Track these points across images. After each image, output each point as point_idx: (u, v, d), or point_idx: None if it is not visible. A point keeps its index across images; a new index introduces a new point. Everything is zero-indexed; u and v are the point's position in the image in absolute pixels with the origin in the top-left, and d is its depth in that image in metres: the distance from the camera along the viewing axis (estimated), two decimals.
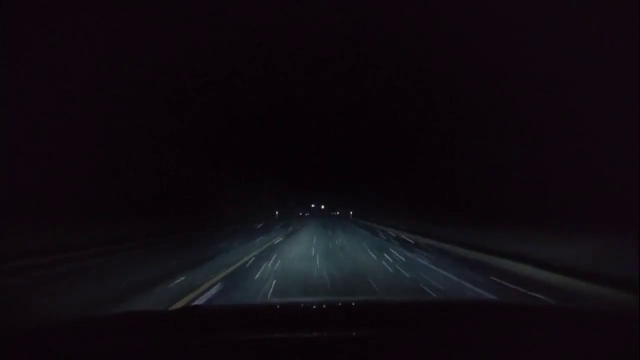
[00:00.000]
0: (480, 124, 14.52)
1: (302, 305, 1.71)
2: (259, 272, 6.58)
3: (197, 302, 4.34)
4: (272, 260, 8.15)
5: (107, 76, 12.94)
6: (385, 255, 9.30)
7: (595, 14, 8.26)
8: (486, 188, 13.11)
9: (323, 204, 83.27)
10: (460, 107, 16.20)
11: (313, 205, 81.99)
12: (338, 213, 77.12)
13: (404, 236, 15.93)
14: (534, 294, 4.93)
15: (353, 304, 1.71)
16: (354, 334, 1.09)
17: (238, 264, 7.46)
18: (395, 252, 9.89)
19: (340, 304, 1.75)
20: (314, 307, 1.64)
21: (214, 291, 5.05)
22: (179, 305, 4.14)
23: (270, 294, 4.90)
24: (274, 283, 5.59)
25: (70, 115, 11.68)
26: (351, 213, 65.77)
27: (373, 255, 9.40)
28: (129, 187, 14.18)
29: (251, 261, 7.96)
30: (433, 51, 16.06)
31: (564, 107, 9.61)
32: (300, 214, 63.85)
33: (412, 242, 13.21)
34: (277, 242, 13.07)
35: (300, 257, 8.78)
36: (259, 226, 23.55)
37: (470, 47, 13.40)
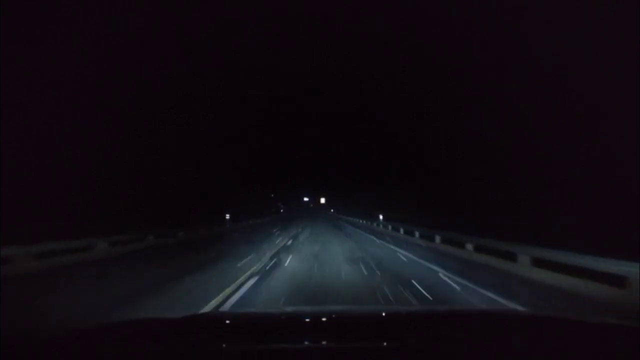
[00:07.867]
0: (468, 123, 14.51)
1: (310, 315, 1.73)
2: None
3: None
4: None
5: (107, 79, 12.84)
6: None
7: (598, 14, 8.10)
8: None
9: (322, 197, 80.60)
10: (461, 109, 16.01)
11: (306, 199, 79.47)
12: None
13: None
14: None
15: (363, 314, 1.74)
16: (363, 344, 1.08)
17: None
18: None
19: (348, 314, 1.78)
20: (323, 317, 1.65)
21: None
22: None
23: None
24: None
25: (72, 117, 11.62)
26: (332, 210, 64.80)
27: None
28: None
29: None
30: (437, 48, 15.76)
31: (568, 108, 9.47)
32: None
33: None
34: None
35: None
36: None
37: (478, 46, 13.15)
